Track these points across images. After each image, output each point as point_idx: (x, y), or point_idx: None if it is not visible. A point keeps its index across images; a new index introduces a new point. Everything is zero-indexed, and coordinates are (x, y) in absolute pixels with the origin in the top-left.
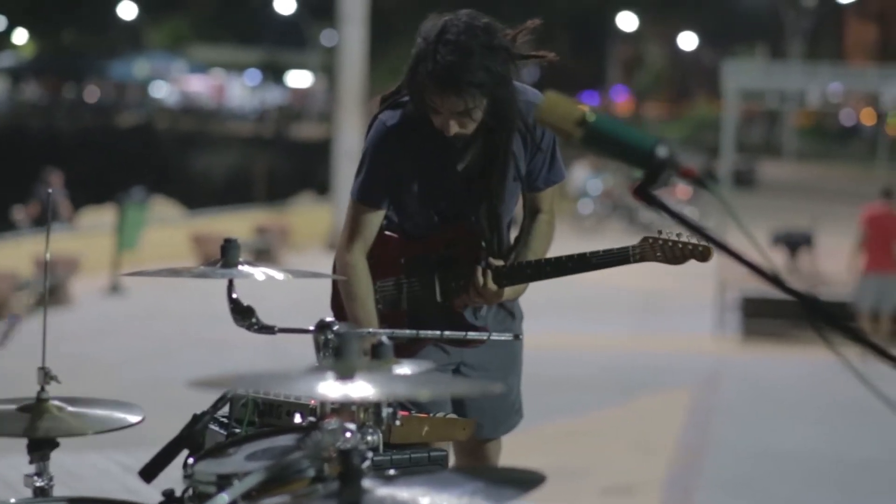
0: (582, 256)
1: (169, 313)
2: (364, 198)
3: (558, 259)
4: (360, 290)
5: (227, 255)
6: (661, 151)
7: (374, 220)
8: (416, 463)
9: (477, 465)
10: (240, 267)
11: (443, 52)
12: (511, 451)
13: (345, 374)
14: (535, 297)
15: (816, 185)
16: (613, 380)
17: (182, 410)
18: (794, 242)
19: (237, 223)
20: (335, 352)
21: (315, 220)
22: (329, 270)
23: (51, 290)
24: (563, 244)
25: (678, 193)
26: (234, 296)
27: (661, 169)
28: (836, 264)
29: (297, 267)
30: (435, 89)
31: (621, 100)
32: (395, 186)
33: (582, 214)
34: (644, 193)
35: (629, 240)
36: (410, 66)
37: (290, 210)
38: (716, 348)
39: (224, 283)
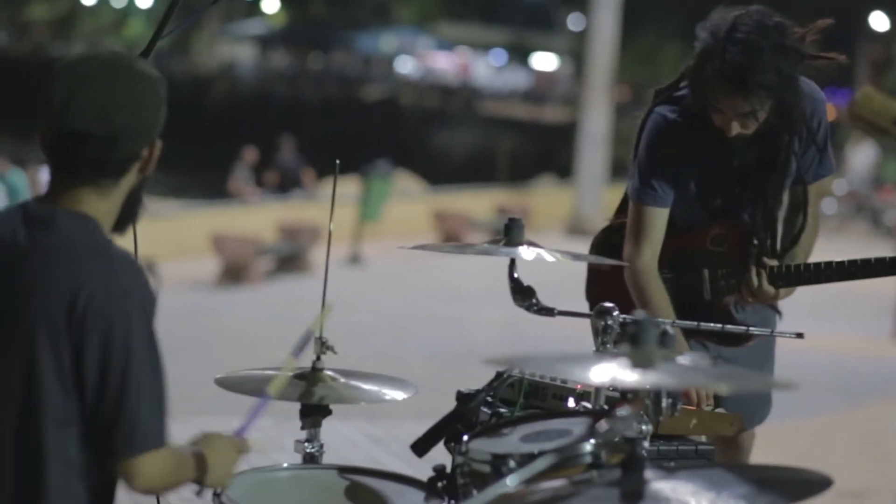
0: (866, 262)
1: (405, 287)
2: (648, 200)
3: (840, 263)
4: (655, 297)
5: (510, 233)
6: None
7: (661, 220)
8: (683, 455)
9: (745, 462)
10: (523, 246)
11: (732, 51)
12: None
13: (642, 363)
14: None
15: None
16: (845, 383)
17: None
18: None
19: (478, 202)
20: (632, 339)
21: (555, 203)
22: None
23: (291, 256)
24: None
25: None
26: (516, 275)
27: None
28: None
29: None
30: (721, 89)
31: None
32: (675, 182)
33: (825, 214)
34: None
35: (873, 242)
36: (695, 62)
37: (530, 191)
38: None
39: (493, 261)
